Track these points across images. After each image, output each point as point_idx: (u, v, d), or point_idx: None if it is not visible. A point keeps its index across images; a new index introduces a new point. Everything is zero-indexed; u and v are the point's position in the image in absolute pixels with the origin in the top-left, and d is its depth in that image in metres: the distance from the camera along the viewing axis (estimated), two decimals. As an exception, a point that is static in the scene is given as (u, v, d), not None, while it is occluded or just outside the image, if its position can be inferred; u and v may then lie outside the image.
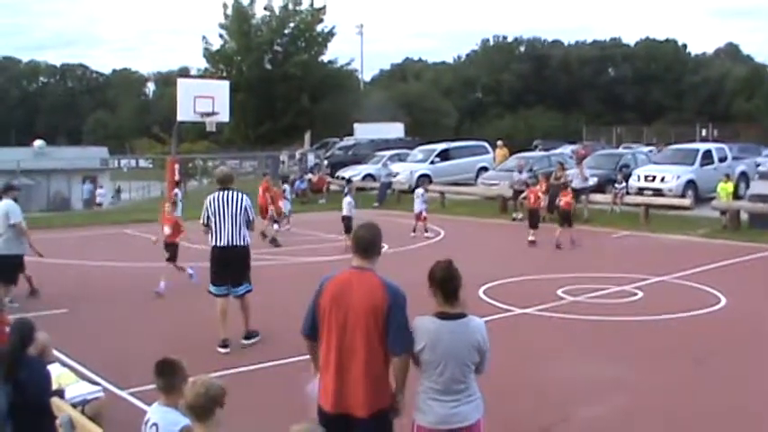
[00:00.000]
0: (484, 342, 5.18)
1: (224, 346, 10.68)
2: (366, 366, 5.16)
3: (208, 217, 10.85)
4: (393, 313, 5.12)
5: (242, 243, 10.80)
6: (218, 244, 10.76)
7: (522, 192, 26.57)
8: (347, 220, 20.38)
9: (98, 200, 48.67)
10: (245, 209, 10.81)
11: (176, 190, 23.96)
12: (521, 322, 12.41)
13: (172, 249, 15.24)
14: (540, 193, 21.84)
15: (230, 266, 10.81)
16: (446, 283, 5.15)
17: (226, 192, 10.90)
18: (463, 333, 5.12)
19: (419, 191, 23.55)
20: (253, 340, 10.94)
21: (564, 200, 20.87)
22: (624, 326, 12.19)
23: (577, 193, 24.63)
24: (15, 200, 13.62)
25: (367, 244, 5.41)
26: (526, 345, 11.08)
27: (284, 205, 24.29)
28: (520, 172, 27.62)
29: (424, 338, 5.06)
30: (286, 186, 26.26)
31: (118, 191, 53.34)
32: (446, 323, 5.09)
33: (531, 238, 20.82)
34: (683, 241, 21.63)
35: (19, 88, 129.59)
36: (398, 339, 5.12)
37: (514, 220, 26.34)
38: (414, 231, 22.54)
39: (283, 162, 41.48)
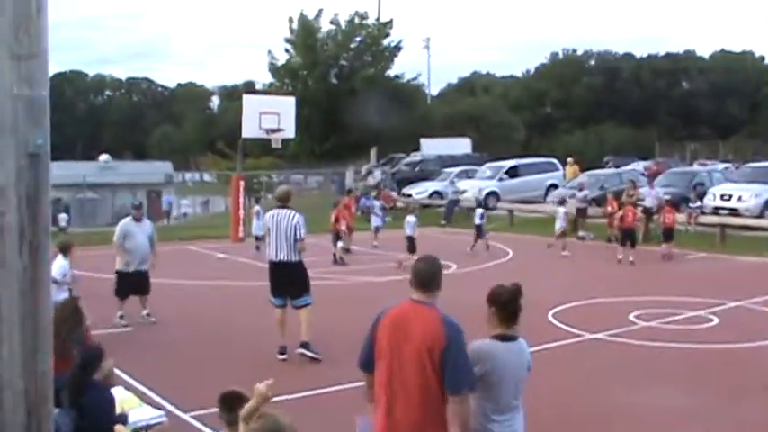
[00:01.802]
0: (530, 360, 5.48)
1: (282, 352, 11.47)
2: (420, 404, 5.06)
3: (266, 233, 11.95)
4: (452, 351, 4.99)
5: (294, 258, 11.47)
6: (273, 259, 11.61)
7: (584, 210, 26.48)
8: (410, 240, 20.48)
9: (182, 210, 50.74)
10: (296, 227, 11.41)
11: (257, 207, 24.39)
12: (591, 348, 12.33)
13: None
14: (638, 212, 22.05)
15: (285, 280, 11.56)
16: (511, 305, 5.28)
17: (283, 210, 11.62)
18: (519, 354, 5.33)
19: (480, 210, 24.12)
20: (310, 353, 11.36)
21: (628, 217, 20.91)
22: (699, 354, 12.01)
23: (650, 212, 24.38)
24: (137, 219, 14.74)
25: (426, 278, 5.30)
26: (596, 371, 11.00)
27: (374, 221, 26.02)
28: (580, 190, 27.46)
29: (488, 362, 5.15)
30: (375, 202, 27.15)
31: (206, 203, 54.85)
32: (506, 345, 5.25)
33: (620, 256, 20.92)
34: (762, 264, 21.22)
35: (85, 102, 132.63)
36: (459, 378, 4.99)
37: (581, 239, 26.16)
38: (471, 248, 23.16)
39: (370, 173, 41.76)
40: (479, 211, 23.90)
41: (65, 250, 12.50)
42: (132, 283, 14.21)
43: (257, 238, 23.31)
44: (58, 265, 11.96)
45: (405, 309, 5.27)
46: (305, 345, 11.41)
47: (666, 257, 21.75)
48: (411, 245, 20.28)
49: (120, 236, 14.27)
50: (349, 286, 18.37)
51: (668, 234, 22.48)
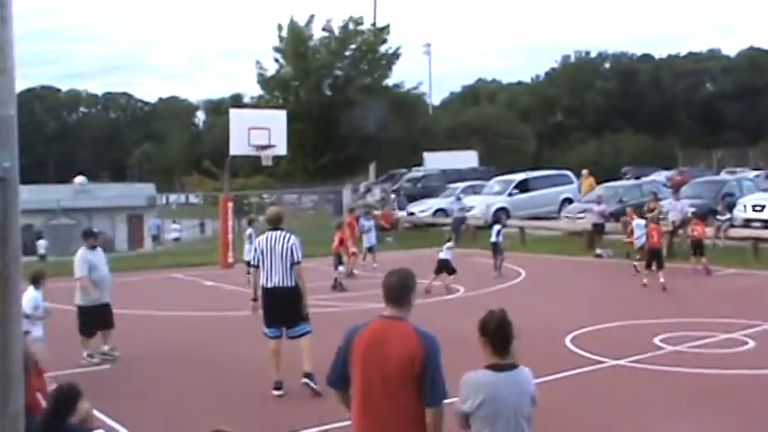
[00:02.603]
0: (535, 393, 5.35)
1: (277, 388, 11.33)
2: (402, 418, 5.34)
3: (257, 258, 11.62)
4: (429, 363, 5.29)
5: (290, 284, 11.38)
6: (267, 285, 11.47)
7: (601, 225, 26.44)
8: (445, 263, 20.41)
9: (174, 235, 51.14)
10: (291, 250, 11.37)
11: (250, 229, 24.27)
12: (613, 375, 12.25)
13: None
14: (662, 229, 21.79)
15: (281, 307, 11.41)
16: (500, 333, 5.26)
17: (275, 232, 11.58)
18: (519, 383, 5.26)
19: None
20: (313, 384, 11.13)
21: (653, 237, 20.61)
22: (733, 380, 11.91)
23: (674, 227, 24.37)
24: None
25: (399, 292, 5.55)
26: (620, 401, 10.93)
27: (369, 239, 26.29)
28: (598, 203, 27.48)
29: (481, 393, 5.14)
30: (365, 222, 27.29)
31: (202, 225, 55.45)
32: (502, 374, 5.21)
33: (645, 280, 20.32)
34: (800, 280, 21.20)
35: (58, 120, 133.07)
36: (434, 389, 5.29)
37: (598, 257, 26.13)
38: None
39: (369, 190, 41.79)
40: (496, 227, 23.61)
41: (36, 280, 12.38)
42: (97, 318, 13.96)
43: (249, 264, 23.24)
44: (29, 297, 11.87)
45: (379, 326, 5.51)
46: (308, 375, 11.25)
47: (702, 272, 21.84)
48: (448, 267, 20.26)
49: (86, 269, 13.94)
50: (351, 313, 18.29)
51: (699, 247, 22.56)
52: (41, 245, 46.24)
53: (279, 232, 11.56)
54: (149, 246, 51.75)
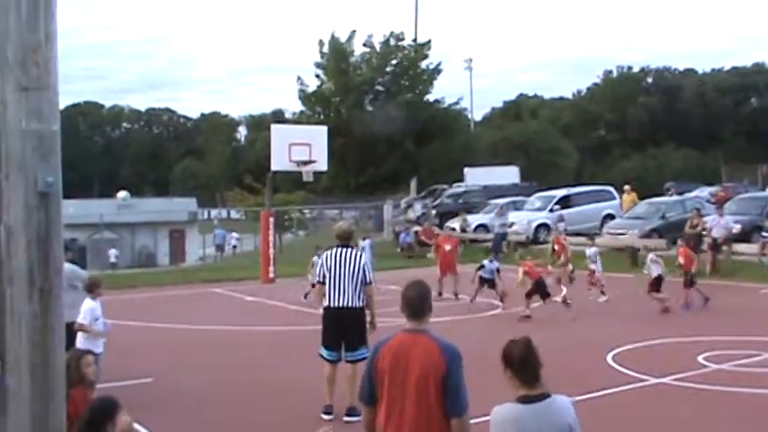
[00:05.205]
0: (575, 423, 5.02)
1: (328, 412, 10.86)
2: (428, 430, 5.46)
3: (323, 275, 11.09)
4: (451, 374, 5.42)
5: (358, 305, 10.98)
6: (332, 305, 10.98)
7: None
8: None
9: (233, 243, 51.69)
10: (364, 270, 10.99)
11: (316, 257, 23.98)
12: (656, 394, 12.12)
13: None
14: (693, 255, 20.84)
15: (345, 329, 10.99)
16: (526, 363, 5.03)
17: (344, 249, 11.16)
18: (551, 416, 4.97)
19: (592, 250, 22.29)
20: (356, 418, 10.39)
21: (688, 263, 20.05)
22: (778, 399, 11.77)
23: (718, 244, 24.13)
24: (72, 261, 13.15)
25: (419, 306, 5.69)
26: (663, 420, 10.80)
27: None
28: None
29: (509, 429, 4.93)
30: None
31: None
32: (531, 407, 4.94)
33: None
34: None
35: (101, 135, 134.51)
36: (458, 400, 5.42)
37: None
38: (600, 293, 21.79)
39: (410, 206, 41.76)
40: (593, 249, 22.41)
41: (91, 290, 11.38)
42: None
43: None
44: (87, 308, 10.97)
45: (402, 340, 5.65)
46: (353, 411, 10.43)
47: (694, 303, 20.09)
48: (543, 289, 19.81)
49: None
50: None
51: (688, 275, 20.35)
52: (112, 253, 46.73)
53: (348, 249, 11.18)
54: (193, 259, 52.23)
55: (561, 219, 33.14)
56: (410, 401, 5.46)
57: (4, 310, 3.15)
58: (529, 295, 19.04)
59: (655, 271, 19.94)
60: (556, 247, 24.51)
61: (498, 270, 21.13)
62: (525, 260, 20.55)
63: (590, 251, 22.05)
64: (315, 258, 23.57)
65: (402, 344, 5.60)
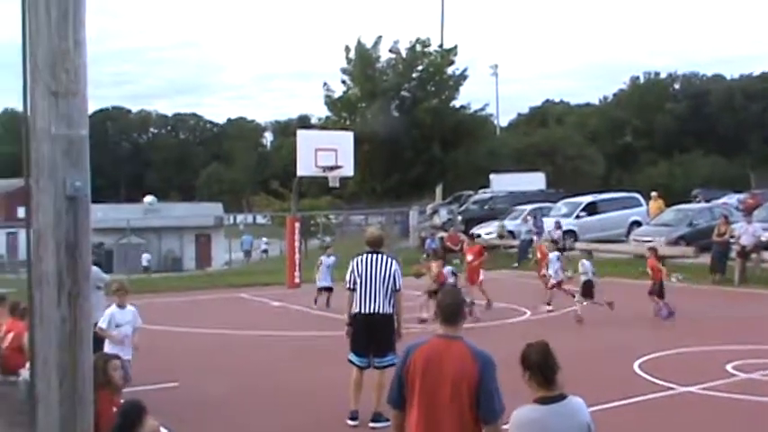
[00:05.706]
0: (592, 422, 5.29)
1: (353, 418, 10.86)
2: None
3: (354, 281, 11.08)
4: (484, 381, 5.49)
5: (388, 311, 11.00)
6: (362, 311, 10.99)
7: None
8: (588, 285, 19.84)
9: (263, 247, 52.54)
10: (395, 276, 11.02)
11: (324, 256, 23.88)
12: (684, 403, 12.02)
13: None
14: (659, 266, 20.32)
15: (375, 335, 10.99)
16: (544, 365, 5.23)
17: (375, 255, 11.17)
18: (571, 415, 5.20)
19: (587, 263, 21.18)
20: (382, 424, 10.62)
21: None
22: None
23: (746, 252, 23.95)
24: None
25: (454, 312, 5.80)
26: (690, 428, 10.74)
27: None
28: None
29: (529, 430, 5.13)
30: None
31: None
32: (551, 407, 5.16)
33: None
34: None
35: (129, 140, 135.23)
36: (492, 406, 5.49)
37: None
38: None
39: (436, 212, 41.69)
40: (587, 263, 21.04)
41: (117, 295, 11.54)
42: None
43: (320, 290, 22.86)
44: (108, 313, 11.19)
45: (435, 345, 5.73)
46: (379, 417, 10.60)
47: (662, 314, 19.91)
48: (587, 289, 19.62)
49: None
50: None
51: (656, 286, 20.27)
52: (145, 258, 47.00)
53: (379, 256, 11.17)
54: (219, 264, 52.39)
55: (559, 226, 32.95)
56: (442, 407, 5.52)
57: (33, 313, 3.16)
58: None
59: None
60: (538, 255, 24.37)
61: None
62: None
63: (585, 263, 20.77)
64: (323, 257, 23.62)
65: (435, 348, 5.66)
